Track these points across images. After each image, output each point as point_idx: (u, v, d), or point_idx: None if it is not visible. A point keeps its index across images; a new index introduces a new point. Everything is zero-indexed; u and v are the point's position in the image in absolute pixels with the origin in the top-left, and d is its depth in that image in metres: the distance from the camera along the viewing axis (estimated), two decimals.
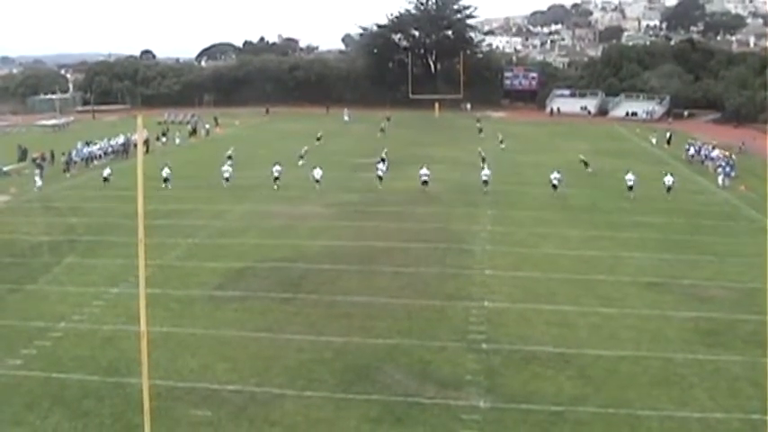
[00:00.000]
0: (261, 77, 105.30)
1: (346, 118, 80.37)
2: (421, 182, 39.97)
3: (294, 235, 30.21)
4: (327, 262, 26.11)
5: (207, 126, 71.24)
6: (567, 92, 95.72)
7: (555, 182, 39.29)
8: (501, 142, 58.75)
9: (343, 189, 40.27)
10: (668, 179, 38.82)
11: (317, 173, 41.31)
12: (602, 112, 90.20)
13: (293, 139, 60.82)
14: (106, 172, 42.61)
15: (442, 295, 22.76)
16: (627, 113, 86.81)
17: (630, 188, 38.49)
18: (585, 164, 41.91)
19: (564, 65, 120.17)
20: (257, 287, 23.59)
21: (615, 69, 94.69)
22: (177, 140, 61.80)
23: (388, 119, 74.46)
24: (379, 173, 42.19)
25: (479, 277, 24.49)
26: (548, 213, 34.13)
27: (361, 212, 34.42)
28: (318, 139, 60.36)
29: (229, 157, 48.73)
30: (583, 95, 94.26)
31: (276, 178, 41.14)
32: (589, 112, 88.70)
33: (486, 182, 39.80)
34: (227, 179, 41.66)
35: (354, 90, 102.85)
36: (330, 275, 24.72)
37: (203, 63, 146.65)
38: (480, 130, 68.30)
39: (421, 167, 40.90)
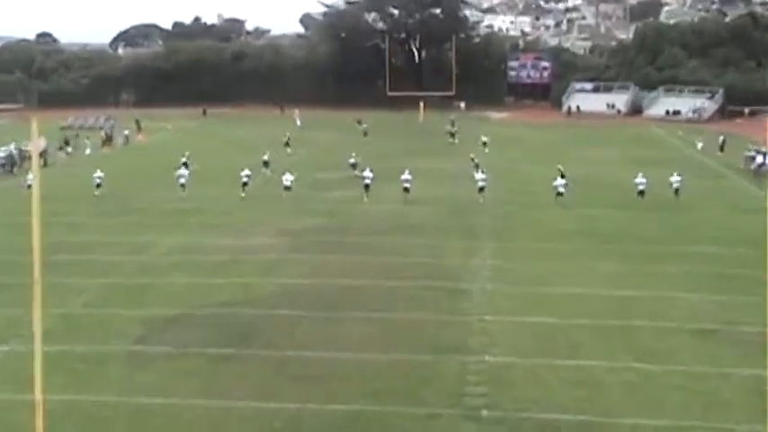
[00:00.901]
0: (196, 69, 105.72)
1: (298, 122, 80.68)
2: (402, 188, 42.89)
3: (240, 272, 30.17)
4: (282, 306, 26.08)
5: (126, 132, 71.29)
6: (588, 85, 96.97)
7: (561, 189, 41.62)
8: (484, 145, 59.23)
9: (303, 212, 40.36)
10: (675, 179, 42.69)
11: (287, 178, 43.95)
12: (635, 110, 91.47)
13: (239, 148, 60.93)
14: None
15: (429, 348, 22.78)
16: (667, 112, 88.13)
17: (641, 193, 41.92)
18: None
19: (585, 50, 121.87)
20: (191, 340, 23.49)
21: (652, 56, 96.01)
22: (87, 150, 61.66)
23: (360, 122, 74.55)
24: (367, 181, 43.53)
25: (478, 324, 24.58)
26: (566, 242, 34.37)
27: (325, 243, 34.44)
28: (287, 145, 60.64)
29: (185, 164, 50.03)
30: (609, 90, 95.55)
31: (245, 184, 44.51)
32: (618, 111, 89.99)
33: (482, 188, 42.40)
34: (182, 185, 45.01)
35: (316, 85, 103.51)
36: (285, 324, 24.68)
37: (120, 50, 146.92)
38: (452, 135, 68.24)
39: (402, 172, 42.93)
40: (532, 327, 24.36)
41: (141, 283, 29.04)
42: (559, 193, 41.54)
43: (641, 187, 42.39)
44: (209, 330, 24.23)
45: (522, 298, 26.98)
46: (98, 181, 45.81)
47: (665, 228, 37.28)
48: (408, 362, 21.87)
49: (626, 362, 21.90)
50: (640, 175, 43.07)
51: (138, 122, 77.16)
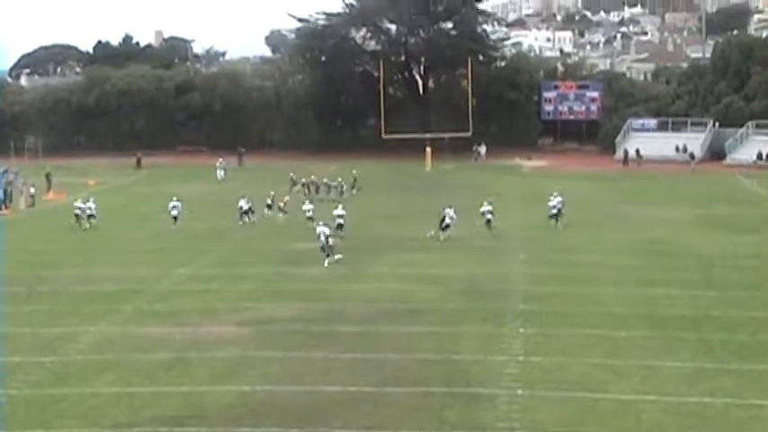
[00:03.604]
0: (127, 105, 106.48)
1: (220, 174, 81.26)
2: (485, 221, 52.58)
3: (187, 377, 30.16)
4: (244, 423, 26.07)
5: (31, 189, 71.31)
6: (651, 122, 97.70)
7: (554, 210, 42.79)
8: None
9: (272, 294, 40.55)
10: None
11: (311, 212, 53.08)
12: (715, 155, 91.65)
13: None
14: None
15: None
16: (759, 156, 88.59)
17: (555, 216, 49.96)
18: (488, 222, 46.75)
19: (646, 75, 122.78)
20: None
21: (737, 81, 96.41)
22: None
23: (354, 179, 73.42)
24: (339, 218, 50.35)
25: None
26: (622, 330, 34.44)
27: (302, 334, 34.51)
28: (270, 206, 61.21)
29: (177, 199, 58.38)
30: (680, 128, 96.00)
31: (245, 212, 52.70)
32: (691, 157, 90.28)
33: (489, 221, 49.03)
34: (175, 218, 54.14)
35: (288, 126, 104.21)
36: None
37: (23, 80, 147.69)
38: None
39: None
40: None
41: (52, 393, 28.91)
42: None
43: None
44: None
45: (566, 407, 26.99)
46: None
47: (759, 310, 37.34)
48: None
49: None
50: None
51: (48, 177, 77.32)
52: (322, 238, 46.79)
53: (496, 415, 26.39)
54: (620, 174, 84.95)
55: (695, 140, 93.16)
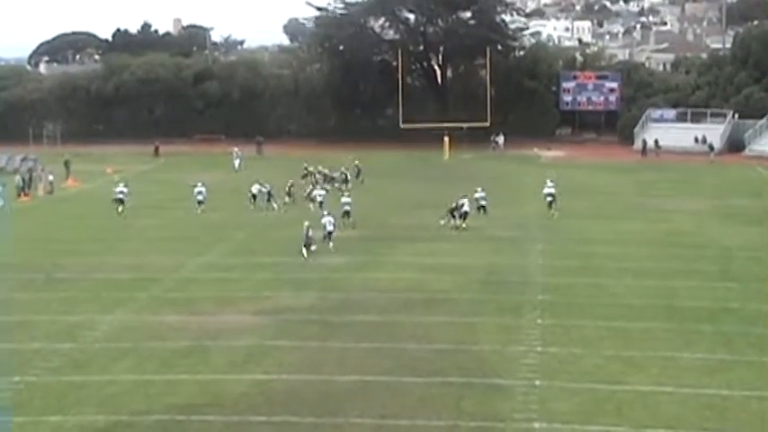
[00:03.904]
0: (145, 93, 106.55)
1: (237, 163, 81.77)
2: (477, 206, 54.47)
3: (204, 365, 30.26)
4: (260, 411, 26.11)
5: (50, 177, 71.52)
6: (670, 113, 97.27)
7: (549, 198, 49.96)
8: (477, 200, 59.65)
9: (290, 283, 40.63)
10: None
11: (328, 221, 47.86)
12: (734, 146, 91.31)
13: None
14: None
15: None
16: None
17: (550, 204, 51.85)
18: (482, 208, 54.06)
19: (666, 66, 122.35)
20: None
21: (758, 72, 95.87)
22: None
23: (358, 169, 73.40)
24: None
25: None
26: (640, 322, 34.43)
27: (319, 324, 34.57)
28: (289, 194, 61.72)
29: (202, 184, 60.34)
30: (699, 119, 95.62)
31: (266, 196, 55.23)
32: (710, 148, 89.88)
33: (482, 207, 54.37)
34: (200, 203, 57.95)
35: (306, 115, 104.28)
36: None
37: (42, 67, 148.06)
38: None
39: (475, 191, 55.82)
40: None
41: (70, 380, 29.07)
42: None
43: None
44: None
45: (583, 398, 26.99)
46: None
47: None
48: None
49: None
50: (549, 180, 54.15)
51: (66, 164, 77.57)
52: (329, 227, 47.12)
53: (513, 405, 26.40)
54: (638, 165, 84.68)
55: (714, 131, 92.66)
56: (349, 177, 67.99)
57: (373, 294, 38.68)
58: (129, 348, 32.03)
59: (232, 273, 42.52)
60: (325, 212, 49.66)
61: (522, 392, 27.35)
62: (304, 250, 45.54)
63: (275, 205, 59.31)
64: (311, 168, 70.28)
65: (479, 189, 56.63)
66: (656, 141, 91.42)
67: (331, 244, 46.95)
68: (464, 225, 52.00)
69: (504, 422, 25.28)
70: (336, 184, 66.12)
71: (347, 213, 53.04)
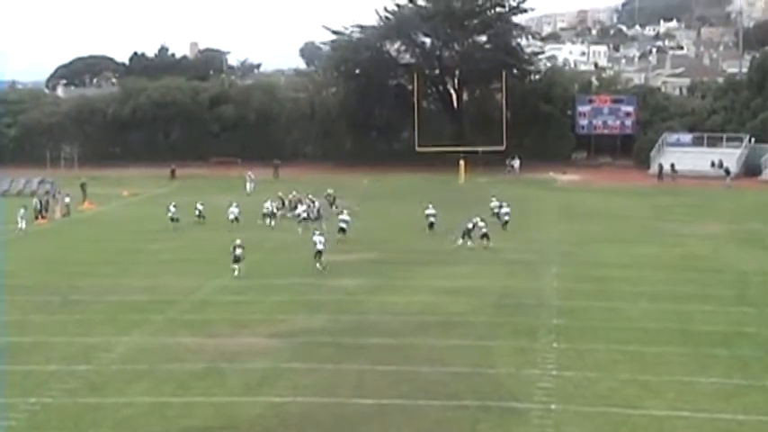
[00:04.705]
0: (162, 116, 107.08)
1: (249, 186, 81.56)
2: (428, 223, 57.61)
3: (219, 387, 30.29)
4: None
5: (66, 199, 71.86)
6: (686, 137, 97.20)
7: (507, 217, 56.15)
8: (495, 213, 61.04)
9: (305, 306, 40.68)
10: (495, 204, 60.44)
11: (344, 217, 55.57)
12: (750, 171, 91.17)
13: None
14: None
15: None
16: None
17: (431, 225, 56.74)
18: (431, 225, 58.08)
19: (682, 90, 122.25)
20: None
21: None
22: (22, 224, 61.87)
23: (333, 198, 71.52)
24: (343, 225, 55.34)
25: None
26: (655, 346, 34.36)
27: (334, 346, 34.58)
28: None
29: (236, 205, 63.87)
30: (715, 143, 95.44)
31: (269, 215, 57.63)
32: (726, 172, 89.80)
33: (432, 224, 57.99)
34: (236, 219, 61.75)
35: (322, 138, 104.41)
36: None
37: (60, 90, 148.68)
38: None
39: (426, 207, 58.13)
40: None
41: (86, 402, 29.16)
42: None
43: (431, 219, 57.85)
44: None
45: (599, 422, 26.95)
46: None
47: None
48: None
49: None
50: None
51: (83, 187, 77.91)
52: (318, 246, 48.14)
53: (529, 429, 26.41)
54: (654, 189, 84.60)
55: (731, 156, 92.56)
56: (320, 211, 65.11)
57: (388, 317, 38.70)
58: (145, 370, 32.10)
59: (247, 295, 42.60)
60: (317, 231, 50.76)
61: (537, 416, 27.33)
62: (234, 267, 46.98)
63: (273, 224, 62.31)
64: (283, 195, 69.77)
65: (497, 201, 60.79)
66: (672, 165, 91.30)
67: (319, 264, 47.82)
68: (490, 244, 53.15)
69: None
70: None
71: (342, 230, 55.79)
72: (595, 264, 49.39)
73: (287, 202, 66.96)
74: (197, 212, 63.94)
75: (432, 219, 58.71)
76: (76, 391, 30.11)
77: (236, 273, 46.68)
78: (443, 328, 37.01)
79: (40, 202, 70.06)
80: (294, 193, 67.94)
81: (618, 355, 33.34)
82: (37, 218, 66.87)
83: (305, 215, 61.61)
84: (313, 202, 65.24)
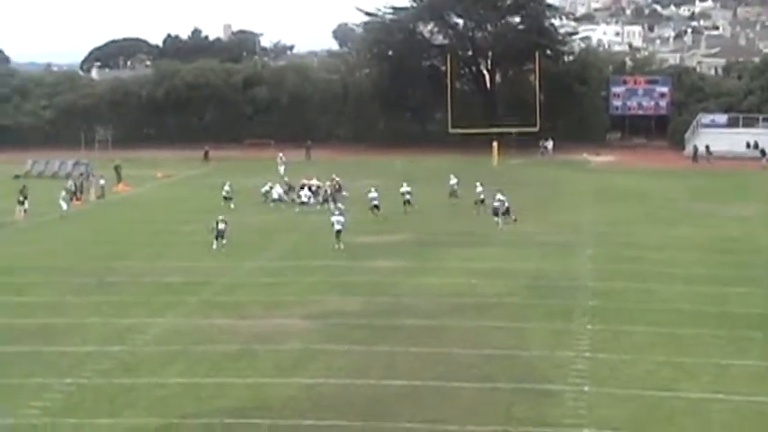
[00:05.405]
0: (195, 98, 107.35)
1: (281, 169, 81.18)
2: (403, 201, 59.04)
3: (252, 368, 30.35)
4: (308, 416, 26.15)
5: (101, 181, 72.18)
6: (722, 118, 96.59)
7: (497, 203, 54.47)
8: (481, 202, 59.96)
9: (338, 287, 40.71)
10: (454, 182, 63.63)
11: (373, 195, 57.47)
12: None
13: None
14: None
15: None
16: None
17: (376, 207, 56.63)
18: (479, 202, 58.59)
19: (717, 70, 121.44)
20: None
21: None
22: (63, 206, 61.96)
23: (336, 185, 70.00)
24: (375, 202, 56.63)
25: None
26: (690, 328, 34.18)
27: (368, 328, 34.61)
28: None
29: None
30: (751, 124, 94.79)
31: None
32: (762, 153, 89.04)
33: (408, 201, 59.78)
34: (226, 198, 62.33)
35: (355, 120, 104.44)
36: None
37: (94, 73, 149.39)
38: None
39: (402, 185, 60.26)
40: None
41: (120, 383, 29.27)
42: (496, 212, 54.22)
43: (407, 197, 59.62)
44: None
45: (634, 405, 26.80)
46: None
47: None
48: None
49: None
50: (405, 184, 60.17)
51: (117, 169, 78.20)
52: (337, 226, 48.59)
53: (563, 411, 26.29)
54: (689, 170, 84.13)
55: (767, 137, 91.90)
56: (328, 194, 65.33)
57: (422, 299, 38.68)
58: (178, 352, 32.20)
59: (281, 276, 42.69)
60: (336, 212, 51.15)
61: (571, 398, 27.21)
62: (214, 243, 48.63)
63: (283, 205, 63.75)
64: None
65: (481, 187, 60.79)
66: (707, 147, 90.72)
67: (340, 244, 48.43)
68: (514, 218, 54.52)
69: (554, 428, 25.18)
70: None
71: (376, 207, 57.17)
72: (630, 245, 49.16)
73: (324, 187, 66.52)
74: (224, 195, 63.90)
75: (407, 197, 60.22)
76: (111, 372, 30.23)
77: (214, 246, 48.57)
78: (477, 309, 36.92)
79: (75, 185, 70.33)
80: (334, 176, 68.03)
81: (653, 337, 33.16)
82: (72, 200, 67.04)
83: (305, 199, 63.48)
84: (319, 187, 66.19)
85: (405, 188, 60.39)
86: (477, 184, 61.08)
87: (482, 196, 59.59)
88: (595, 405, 26.73)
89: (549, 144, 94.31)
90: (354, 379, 29.05)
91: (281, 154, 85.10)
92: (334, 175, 68.79)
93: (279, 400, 27.41)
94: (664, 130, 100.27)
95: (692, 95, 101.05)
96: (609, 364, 30.29)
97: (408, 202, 59.95)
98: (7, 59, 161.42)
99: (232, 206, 61.79)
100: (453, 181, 64.59)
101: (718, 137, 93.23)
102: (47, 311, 37.28)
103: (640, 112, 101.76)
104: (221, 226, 48.90)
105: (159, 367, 30.67)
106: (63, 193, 63.18)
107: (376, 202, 57.14)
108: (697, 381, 28.66)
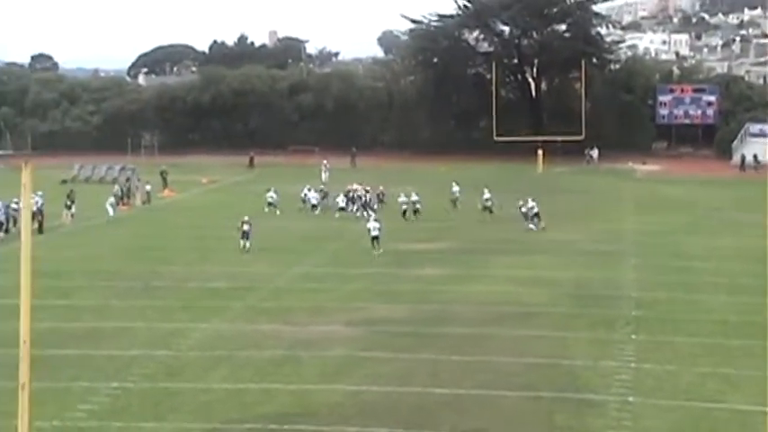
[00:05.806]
0: (241, 105, 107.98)
1: (325, 176, 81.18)
2: (482, 207, 61.02)
3: (297, 374, 30.46)
4: (352, 423, 26.21)
5: (147, 186, 72.70)
6: None
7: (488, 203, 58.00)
8: (485, 208, 60.99)
9: (383, 295, 40.84)
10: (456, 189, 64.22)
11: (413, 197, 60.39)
12: None
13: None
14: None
15: None
16: None
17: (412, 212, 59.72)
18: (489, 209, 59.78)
19: (765, 79, 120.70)
20: None
21: None
22: (110, 211, 62.61)
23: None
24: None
25: None
26: (735, 339, 33.96)
27: (412, 336, 34.63)
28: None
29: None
30: None
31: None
32: None
33: (416, 211, 59.88)
34: (314, 206, 63.79)
35: (400, 127, 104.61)
36: None
37: (141, 79, 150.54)
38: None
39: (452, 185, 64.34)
40: None
41: (165, 387, 29.47)
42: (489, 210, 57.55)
43: (404, 207, 60.01)
44: None
45: (678, 416, 26.69)
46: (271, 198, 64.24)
47: None
48: None
49: None
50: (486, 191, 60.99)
51: (163, 174, 78.75)
52: (374, 232, 49.42)
53: (607, 422, 26.19)
54: (736, 180, 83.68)
55: None
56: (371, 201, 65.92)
57: (466, 307, 38.71)
58: (223, 357, 32.38)
59: (325, 283, 42.84)
60: (371, 218, 52.38)
61: (615, 408, 27.12)
62: (241, 242, 50.07)
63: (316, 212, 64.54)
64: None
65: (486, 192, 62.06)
66: (755, 156, 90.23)
67: (378, 250, 49.26)
68: (543, 225, 55.38)
69: None
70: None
71: (417, 211, 60.15)
72: (675, 255, 48.99)
73: (363, 194, 66.55)
74: (268, 201, 64.44)
75: (412, 206, 61.18)
76: (156, 377, 30.44)
77: (241, 246, 49.91)
78: (521, 318, 36.93)
79: (122, 190, 70.99)
80: (381, 188, 68.89)
81: (698, 347, 33.02)
82: (118, 204, 67.63)
83: (342, 204, 63.43)
84: (367, 192, 66.15)
85: (486, 194, 61.28)
86: (485, 190, 62.08)
87: (489, 203, 60.61)
88: (640, 416, 26.62)
89: (595, 153, 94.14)
90: (398, 386, 29.07)
91: (325, 161, 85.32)
92: (381, 187, 69.07)
93: (323, 406, 27.48)
94: (711, 139, 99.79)
95: (740, 104, 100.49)
96: (653, 374, 30.17)
97: (405, 213, 60.79)
98: (56, 65, 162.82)
99: (278, 212, 62.26)
100: (456, 188, 66.07)
101: (766, 146, 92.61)
102: (93, 315, 37.62)
103: (687, 121, 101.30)
104: (246, 227, 49.97)
105: (203, 372, 30.85)
106: (111, 198, 63.79)
107: (418, 206, 59.77)
108: (743, 392, 28.48)
